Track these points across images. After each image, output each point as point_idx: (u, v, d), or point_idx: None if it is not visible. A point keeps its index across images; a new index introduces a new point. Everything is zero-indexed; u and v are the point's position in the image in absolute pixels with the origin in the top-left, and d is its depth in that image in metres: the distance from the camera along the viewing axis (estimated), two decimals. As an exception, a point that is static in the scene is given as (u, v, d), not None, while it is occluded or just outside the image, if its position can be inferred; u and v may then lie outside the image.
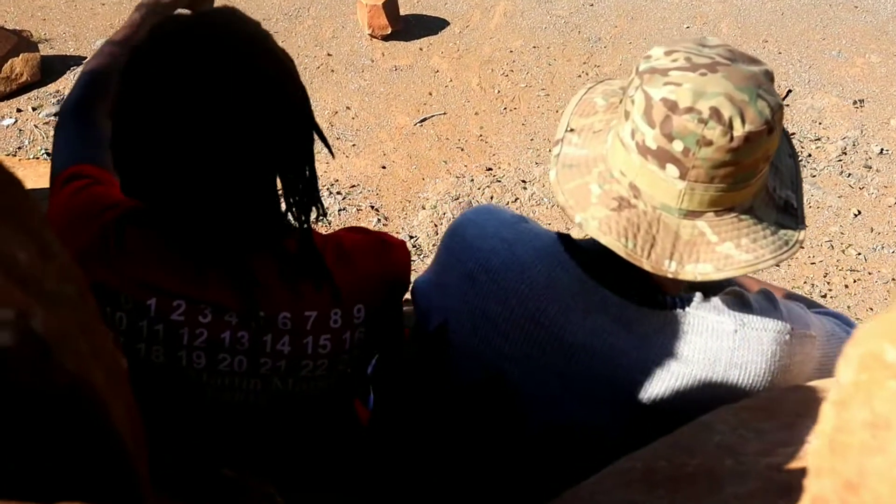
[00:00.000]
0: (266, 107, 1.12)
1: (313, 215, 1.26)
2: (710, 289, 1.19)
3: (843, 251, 4.07)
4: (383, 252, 1.30)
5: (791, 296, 1.45)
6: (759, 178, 1.11)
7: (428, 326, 1.32)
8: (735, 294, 1.17)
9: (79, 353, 0.36)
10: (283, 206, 1.25)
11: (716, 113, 1.02)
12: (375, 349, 1.37)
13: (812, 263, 3.99)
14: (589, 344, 1.17)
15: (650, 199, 1.10)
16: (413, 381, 1.36)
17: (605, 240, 1.10)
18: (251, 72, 1.11)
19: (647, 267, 1.10)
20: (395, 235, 4.00)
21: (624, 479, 0.83)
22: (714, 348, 1.13)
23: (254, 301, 1.19)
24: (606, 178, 1.14)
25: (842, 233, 4.16)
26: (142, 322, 1.19)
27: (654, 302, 1.16)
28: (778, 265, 1.12)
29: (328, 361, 1.25)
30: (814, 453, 0.40)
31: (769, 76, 1.09)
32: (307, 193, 1.24)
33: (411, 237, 4.06)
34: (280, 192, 1.24)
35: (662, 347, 1.15)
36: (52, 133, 4.49)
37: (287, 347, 1.21)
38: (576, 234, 1.26)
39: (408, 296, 1.41)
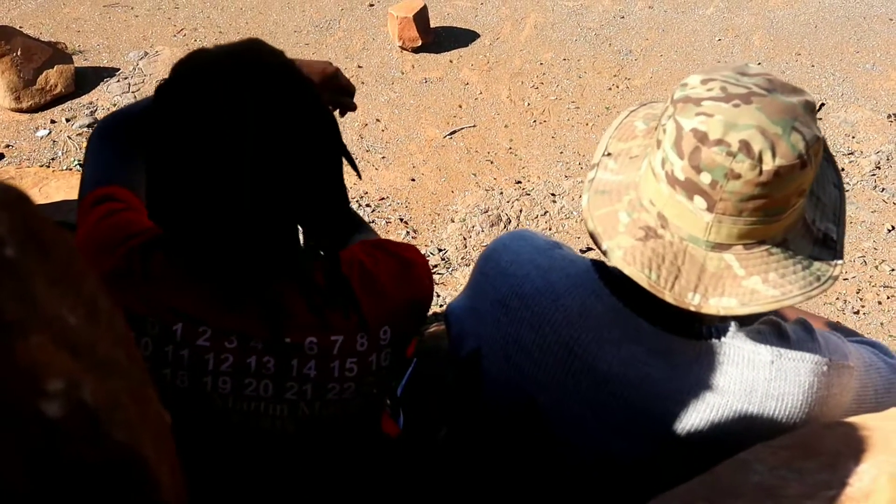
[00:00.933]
0: (293, 136, 1.12)
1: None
2: (746, 318, 1.17)
3: (876, 267, 4.02)
4: (406, 275, 1.30)
5: (829, 324, 1.43)
6: (793, 211, 1.08)
7: (461, 352, 1.32)
8: (772, 324, 1.15)
9: (128, 423, 0.36)
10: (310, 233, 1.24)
11: (745, 146, 1.00)
12: (401, 368, 1.37)
13: (845, 279, 3.95)
14: (623, 373, 1.16)
15: (677, 229, 1.08)
16: (447, 405, 1.35)
17: (628, 270, 1.09)
18: (278, 103, 1.11)
19: (669, 299, 1.08)
20: (425, 248, 4.03)
21: (662, 520, 0.82)
22: (750, 379, 1.12)
23: (279, 330, 1.19)
24: (636, 206, 1.12)
25: (875, 248, 4.12)
26: (167, 347, 1.19)
27: (690, 331, 1.15)
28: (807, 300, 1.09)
29: (354, 385, 1.25)
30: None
31: (809, 107, 1.06)
32: (336, 220, 1.23)
33: (440, 250, 4.07)
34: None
35: (698, 378, 1.13)
36: (84, 144, 4.56)
37: (313, 371, 1.22)
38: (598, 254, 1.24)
39: (435, 310, 1.41)
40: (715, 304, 1.07)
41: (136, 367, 0.43)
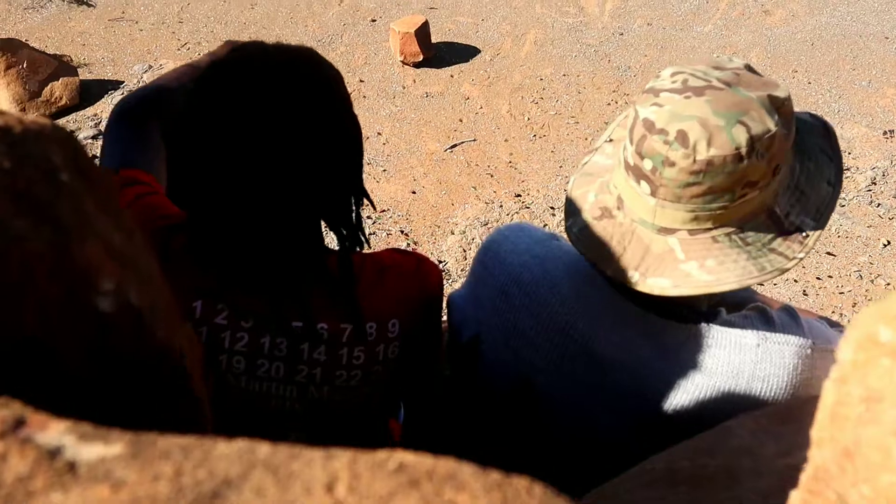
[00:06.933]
0: (322, 143, 1.19)
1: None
2: (733, 305, 1.22)
3: (871, 281, 4.06)
4: (419, 273, 1.35)
5: (817, 317, 1.48)
6: (744, 202, 1.11)
7: (460, 338, 1.37)
8: (758, 310, 1.20)
9: (166, 324, 0.41)
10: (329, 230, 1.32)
11: (682, 135, 1.05)
12: (410, 364, 1.41)
13: (841, 293, 3.99)
14: (616, 356, 1.21)
15: (630, 212, 1.15)
16: (446, 392, 1.39)
17: (576, 246, 1.18)
18: (313, 110, 1.17)
19: (608, 273, 1.15)
20: (425, 259, 4.06)
21: (647, 479, 0.87)
22: (737, 361, 1.17)
23: (282, 312, 1.24)
24: (604, 188, 1.20)
25: (871, 263, 4.16)
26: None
27: (679, 316, 1.20)
28: (755, 286, 1.14)
29: (361, 373, 1.29)
30: (816, 426, 0.45)
31: (771, 101, 1.09)
32: (352, 221, 1.32)
33: (440, 261, 4.11)
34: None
35: (687, 360, 1.18)
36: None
37: (323, 356, 1.26)
38: None
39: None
40: (651, 284, 1.13)
41: (168, 288, 0.49)
